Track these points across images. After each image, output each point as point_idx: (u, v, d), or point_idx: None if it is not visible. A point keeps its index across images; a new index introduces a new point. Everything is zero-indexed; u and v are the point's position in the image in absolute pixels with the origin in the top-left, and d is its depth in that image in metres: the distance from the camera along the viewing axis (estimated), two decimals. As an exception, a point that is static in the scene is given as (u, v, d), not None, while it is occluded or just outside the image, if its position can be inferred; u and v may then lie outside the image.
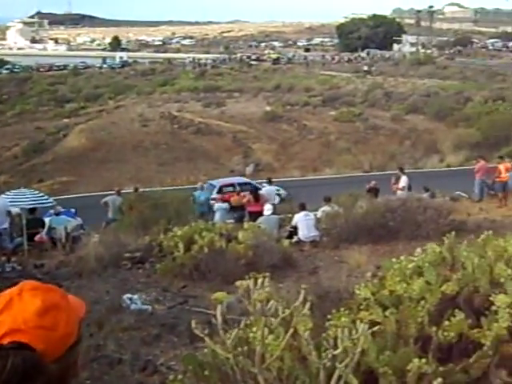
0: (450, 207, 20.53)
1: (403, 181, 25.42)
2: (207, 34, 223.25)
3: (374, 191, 25.39)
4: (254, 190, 22.76)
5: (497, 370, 5.70)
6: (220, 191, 31.68)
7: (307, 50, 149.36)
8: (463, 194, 29.47)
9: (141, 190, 26.57)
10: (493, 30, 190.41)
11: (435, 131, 62.63)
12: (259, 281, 5.42)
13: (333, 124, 61.45)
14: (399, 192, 24.78)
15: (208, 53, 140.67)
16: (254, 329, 5.22)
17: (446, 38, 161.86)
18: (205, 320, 5.73)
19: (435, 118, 66.21)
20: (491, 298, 6.05)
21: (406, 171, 40.38)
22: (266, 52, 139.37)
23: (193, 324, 5.22)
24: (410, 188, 22.83)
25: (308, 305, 5.41)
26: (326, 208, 19.82)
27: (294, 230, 18.35)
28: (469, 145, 53.47)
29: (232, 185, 33.67)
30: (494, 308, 5.96)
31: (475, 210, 25.68)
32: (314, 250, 17.04)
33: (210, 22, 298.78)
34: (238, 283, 5.64)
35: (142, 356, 7.89)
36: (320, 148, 54.73)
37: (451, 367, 5.66)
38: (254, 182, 35.12)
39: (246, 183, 34.37)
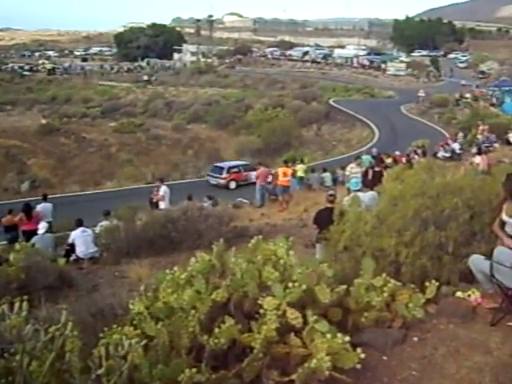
0: (231, 214, 20.78)
1: (162, 190, 25.48)
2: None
3: (156, 203, 25.25)
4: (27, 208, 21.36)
5: (268, 371, 5.75)
6: (228, 171, 41.00)
7: (84, 59, 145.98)
8: (245, 201, 30.09)
9: None
10: (271, 39, 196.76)
11: (217, 139, 63.81)
12: (16, 305, 5.11)
13: (113, 135, 60.34)
14: (161, 203, 24.91)
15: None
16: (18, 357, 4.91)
17: (226, 47, 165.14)
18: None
19: (217, 126, 67.52)
20: (260, 302, 6.12)
21: (189, 180, 41.24)
22: (41, 62, 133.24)
23: None
24: (190, 198, 22.84)
25: (70, 325, 5.17)
26: (104, 222, 19.27)
27: (72, 248, 17.58)
28: (251, 152, 54.99)
29: (237, 166, 42.45)
30: (262, 311, 6.02)
31: (257, 215, 26.29)
32: (93, 267, 16.51)
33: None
34: (-10, 310, 5.27)
35: None
36: (101, 161, 53.36)
37: (224, 373, 5.65)
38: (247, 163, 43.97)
39: (246, 165, 43.06)
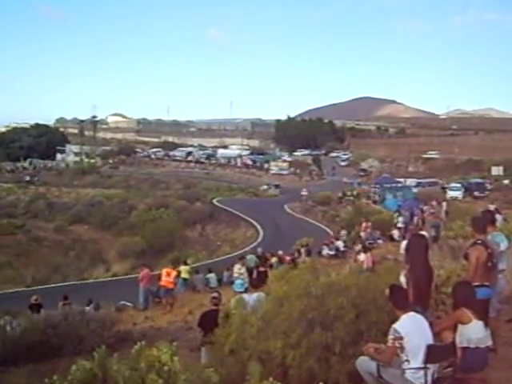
0: (114, 318, 20.32)
1: None
2: None
3: (37, 307, 24.32)
4: None
5: None
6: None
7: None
8: (128, 304, 29.41)
9: None
10: (155, 139, 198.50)
11: (100, 240, 63.08)
12: None
13: (-8, 237, 58.57)
14: None
15: None
16: None
17: (110, 148, 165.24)
18: None
19: (100, 227, 66.85)
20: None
21: (71, 283, 40.31)
22: None
23: None
24: (66, 297, 22.03)
25: None
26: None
27: None
28: (134, 253, 54.46)
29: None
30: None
31: (141, 318, 25.82)
32: (-36, 379, 15.59)
33: None
34: None
35: None
36: (-22, 263, 51.35)
37: None
38: None
39: None
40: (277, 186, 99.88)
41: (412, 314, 7.43)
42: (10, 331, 17.13)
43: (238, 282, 26.29)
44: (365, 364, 7.50)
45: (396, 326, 7.22)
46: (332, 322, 8.82)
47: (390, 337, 7.18)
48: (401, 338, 7.09)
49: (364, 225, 43.77)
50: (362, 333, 8.80)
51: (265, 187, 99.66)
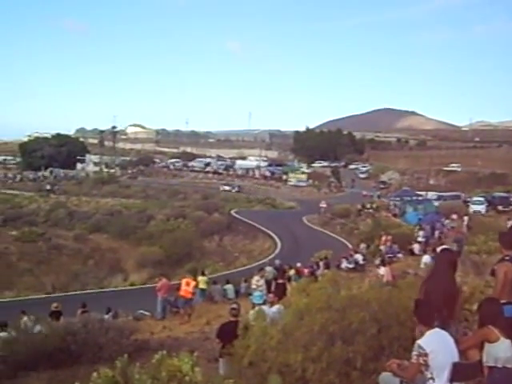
0: (132, 327, 20.42)
1: None
2: None
3: (57, 314, 24.51)
4: None
5: None
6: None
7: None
8: (146, 313, 29.45)
9: None
10: (174, 150, 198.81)
11: (119, 250, 63.26)
12: None
13: (14, 244, 59.34)
14: None
15: None
16: None
17: (129, 158, 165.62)
18: None
19: (119, 236, 67.00)
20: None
21: (90, 291, 40.47)
22: None
23: None
24: (84, 305, 22.13)
25: None
26: (2, 334, 18.53)
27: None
28: (152, 263, 54.59)
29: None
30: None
31: (158, 328, 25.81)
32: (-13, 382, 15.75)
33: None
34: None
35: None
36: (0, 270, 51.82)
37: None
38: None
39: None
40: (239, 187, 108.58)
41: (437, 330, 7.24)
42: (32, 336, 17.32)
43: (256, 293, 26.24)
44: (387, 380, 7.39)
45: (421, 342, 7.03)
46: (353, 336, 8.73)
47: (414, 353, 7.00)
48: (425, 355, 6.91)
49: (384, 238, 43.27)
50: (384, 348, 8.71)
51: (226, 188, 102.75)
